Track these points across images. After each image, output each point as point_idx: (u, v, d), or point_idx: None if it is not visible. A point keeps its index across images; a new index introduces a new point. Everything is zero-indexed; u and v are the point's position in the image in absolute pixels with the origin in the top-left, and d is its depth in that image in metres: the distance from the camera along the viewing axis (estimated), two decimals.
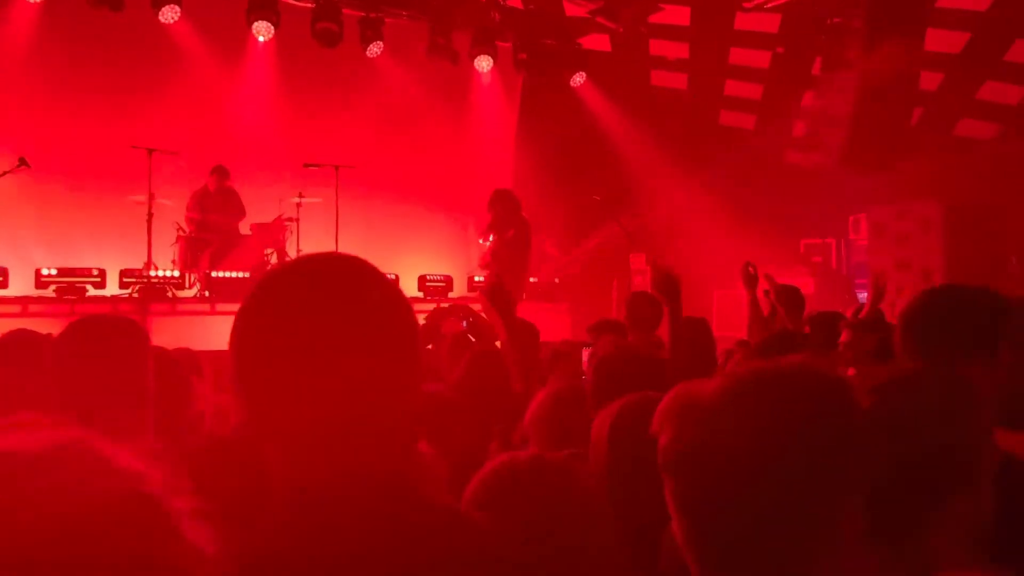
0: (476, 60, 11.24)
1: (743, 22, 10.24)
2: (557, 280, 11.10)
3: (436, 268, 10.17)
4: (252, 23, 9.89)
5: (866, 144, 9.43)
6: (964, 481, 1.27)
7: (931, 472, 1.25)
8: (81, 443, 0.77)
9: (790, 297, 5.14)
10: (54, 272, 8.28)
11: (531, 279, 9.27)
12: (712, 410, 1.13)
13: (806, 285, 9.44)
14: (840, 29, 9.62)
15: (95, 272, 8.49)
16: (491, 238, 8.62)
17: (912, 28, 8.83)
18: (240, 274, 8.95)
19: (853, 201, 11.05)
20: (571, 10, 10.98)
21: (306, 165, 9.67)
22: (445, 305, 4.10)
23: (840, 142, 9.59)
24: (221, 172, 9.34)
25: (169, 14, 9.37)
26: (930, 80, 9.64)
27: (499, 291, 3.68)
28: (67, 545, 0.69)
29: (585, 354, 4.37)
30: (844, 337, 4.16)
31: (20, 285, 8.23)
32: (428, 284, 10.14)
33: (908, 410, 1.30)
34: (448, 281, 10.14)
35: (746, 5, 9.81)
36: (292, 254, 9.63)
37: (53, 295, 8.21)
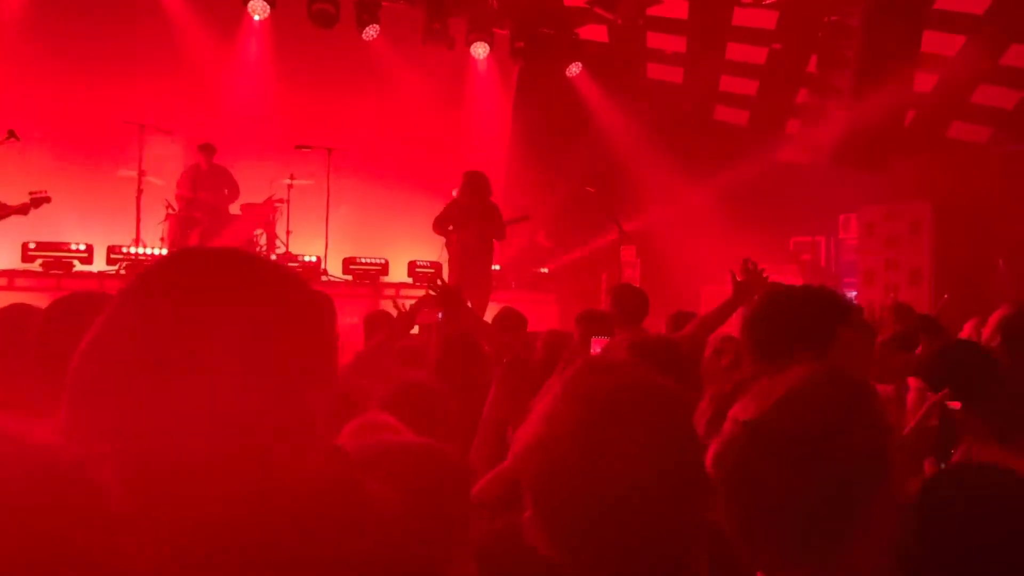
0: (472, 47, 11.20)
1: (741, 18, 10.23)
2: (546, 270, 11.10)
3: (426, 254, 10.15)
4: (248, 2, 9.83)
5: (859, 144, 9.45)
6: (874, 490, 1.22)
7: (840, 482, 1.20)
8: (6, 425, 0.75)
9: None
10: (43, 249, 8.23)
11: (494, 267, 9.04)
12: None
13: (795, 282, 9.46)
14: (837, 27, 9.61)
15: (82, 247, 8.44)
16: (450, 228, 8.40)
17: (910, 30, 8.83)
18: None
19: (844, 200, 11.09)
20: (570, 0, 10.95)
21: (298, 147, 9.63)
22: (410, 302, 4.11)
23: (833, 141, 9.59)
24: (208, 149, 9.27)
25: None
26: (924, 82, 9.65)
27: (448, 293, 3.84)
28: None
29: (596, 344, 4.33)
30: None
31: (6, 258, 8.18)
32: (417, 270, 10.13)
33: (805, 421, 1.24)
34: (438, 267, 10.13)
35: (744, 1, 9.80)
36: (281, 235, 9.60)
37: (40, 269, 8.16)
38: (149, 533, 0.84)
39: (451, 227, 8.27)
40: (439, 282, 4.36)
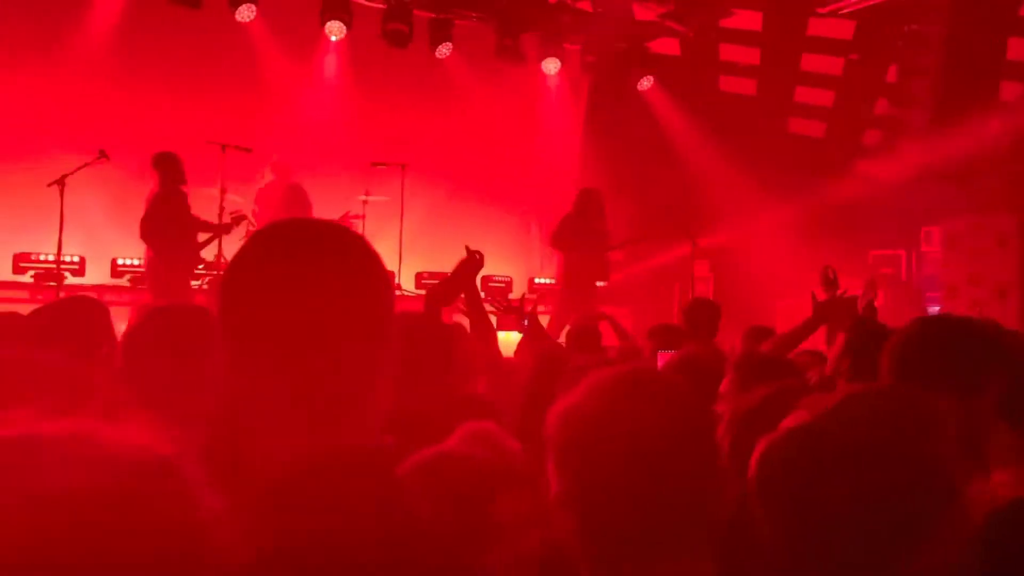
0: (544, 62, 11.26)
1: (816, 28, 10.07)
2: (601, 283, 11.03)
3: (499, 269, 10.22)
4: (325, 23, 10.08)
5: (943, 153, 9.20)
6: (935, 511, 1.20)
7: (901, 496, 1.18)
8: (87, 426, 0.77)
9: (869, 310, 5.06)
10: (130, 262, 8.56)
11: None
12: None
13: (875, 297, 9.22)
14: (918, 36, 9.39)
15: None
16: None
17: (993, 37, 8.58)
18: None
19: (926, 212, 10.78)
20: (641, 13, 10.93)
21: (374, 164, 9.81)
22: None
23: (913, 152, 9.36)
24: (284, 167, 9.52)
25: (245, 12, 9.60)
26: (1010, 90, 9.35)
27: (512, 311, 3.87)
28: (88, 515, 0.69)
29: (662, 358, 4.31)
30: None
31: (97, 274, 8.52)
32: (491, 285, 10.19)
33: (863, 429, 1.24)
34: (509, 283, 10.19)
35: (820, 11, 9.64)
36: None
37: (127, 284, 8.48)
38: (239, 528, 0.87)
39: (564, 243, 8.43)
40: (507, 300, 4.39)
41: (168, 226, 7.51)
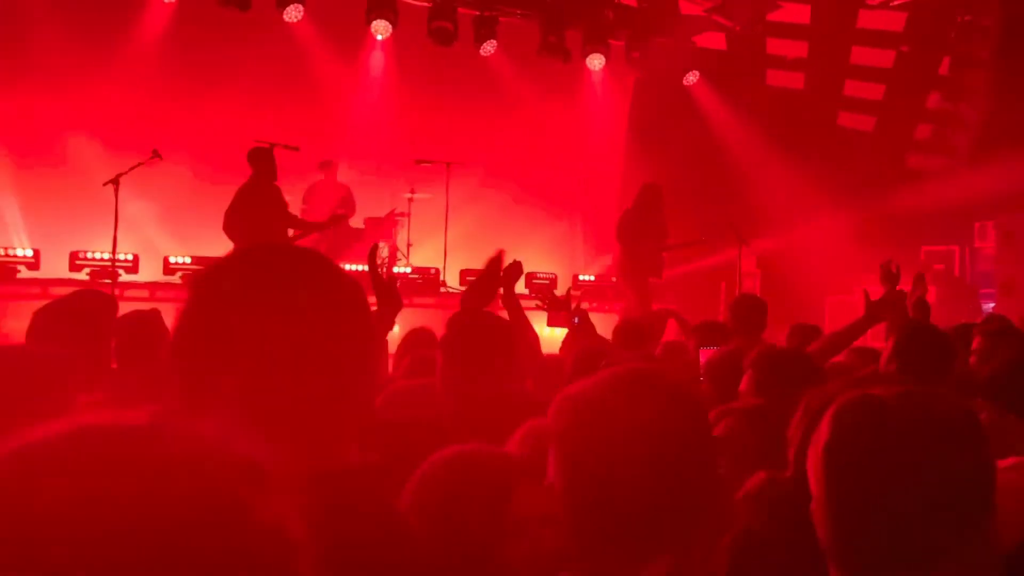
0: (588, 58, 11.23)
1: (866, 20, 9.91)
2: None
3: (543, 266, 10.22)
4: (371, 21, 10.16)
5: (996, 146, 8.99)
6: (978, 510, 1.20)
7: (944, 496, 1.19)
8: (171, 417, 0.77)
9: (922, 308, 4.97)
10: (182, 260, 8.73)
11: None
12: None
13: (928, 294, 9.04)
14: (971, 27, 9.20)
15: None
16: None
17: None
18: (353, 266, 9.21)
19: (979, 207, 10.53)
20: (686, 8, 10.85)
21: (418, 161, 9.88)
22: None
23: (967, 146, 9.16)
24: (329, 166, 9.64)
25: (293, 13, 9.73)
26: None
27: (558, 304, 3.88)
28: (180, 511, 0.67)
29: (704, 355, 4.28)
30: (975, 344, 4.00)
31: (149, 271, 8.70)
32: (534, 282, 10.20)
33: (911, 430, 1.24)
34: (554, 280, 10.18)
35: (870, 3, 9.49)
36: (402, 247, 9.86)
37: (179, 282, 8.64)
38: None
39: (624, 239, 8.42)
40: (551, 294, 4.41)
41: (253, 220, 7.54)
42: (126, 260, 8.43)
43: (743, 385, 2.81)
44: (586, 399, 1.37)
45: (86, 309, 3.02)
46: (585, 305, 9.24)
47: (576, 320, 4.66)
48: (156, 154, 7.51)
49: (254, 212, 7.57)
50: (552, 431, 1.38)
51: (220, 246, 9.12)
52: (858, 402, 1.25)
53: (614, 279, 9.57)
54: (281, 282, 1.15)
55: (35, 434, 0.66)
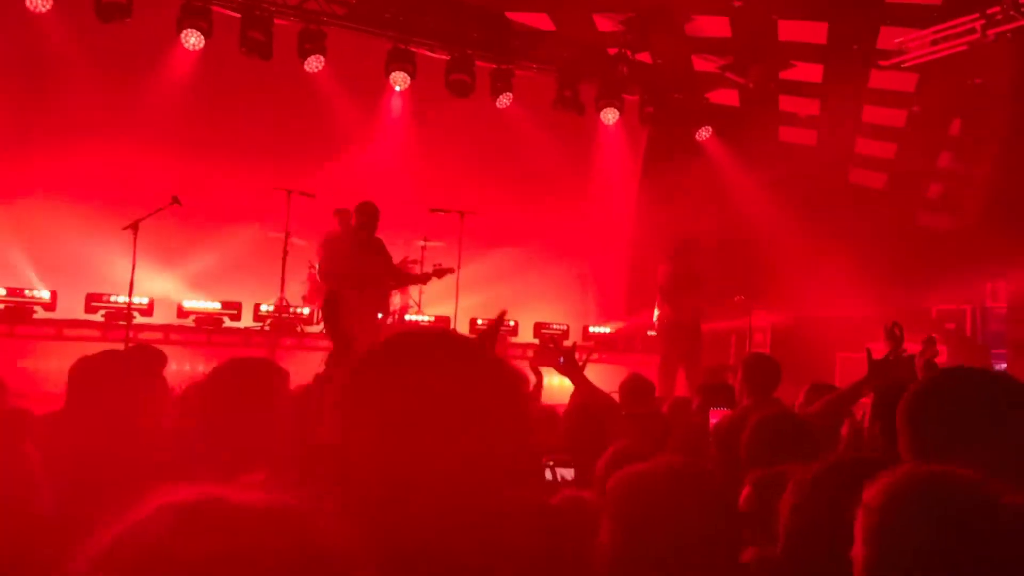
0: (602, 112, 11.39)
1: (878, 80, 10.03)
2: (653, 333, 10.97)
3: (554, 316, 10.26)
4: (390, 73, 10.36)
5: (1007, 206, 9.03)
6: None
7: None
8: (289, 500, 0.85)
9: (929, 368, 4.97)
10: (197, 305, 8.83)
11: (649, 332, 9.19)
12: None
13: (939, 353, 9.00)
14: (983, 90, 9.29)
15: (231, 306, 8.99)
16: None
17: None
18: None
19: (991, 266, 10.53)
20: (700, 65, 11.01)
21: (432, 210, 9.97)
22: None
23: (978, 206, 9.20)
24: (344, 214, 9.73)
25: (314, 63, 9.94)
26: None
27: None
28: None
29: (714, 416, 4.26)
30: None
31: (163, 314, 8.78)
32: (543, 332, 10.24)
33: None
34: (565, 331, 10.22)
35: (883, 63, 9.61)
36: (414, 295, 9.92)
37: (192, 324, 8.72)
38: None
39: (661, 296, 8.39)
40: (553, 345, 4.38)
41: (354, 269, 7.66)
42: (140, 304, 8.51)
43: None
44: (643, 483, 1.73)
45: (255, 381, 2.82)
46: (595, 356, 9.26)
47: (561, 360, 4.62)
48: (176, 200, 7.61)
49: (355, 261, 7.71)
50: (612, 503, 1.73)
51: (236, 291, 9.24)
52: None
53: (651, 332, 9.49)
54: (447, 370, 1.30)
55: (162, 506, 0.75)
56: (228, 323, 8.91)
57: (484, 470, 1.26)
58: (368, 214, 7.93)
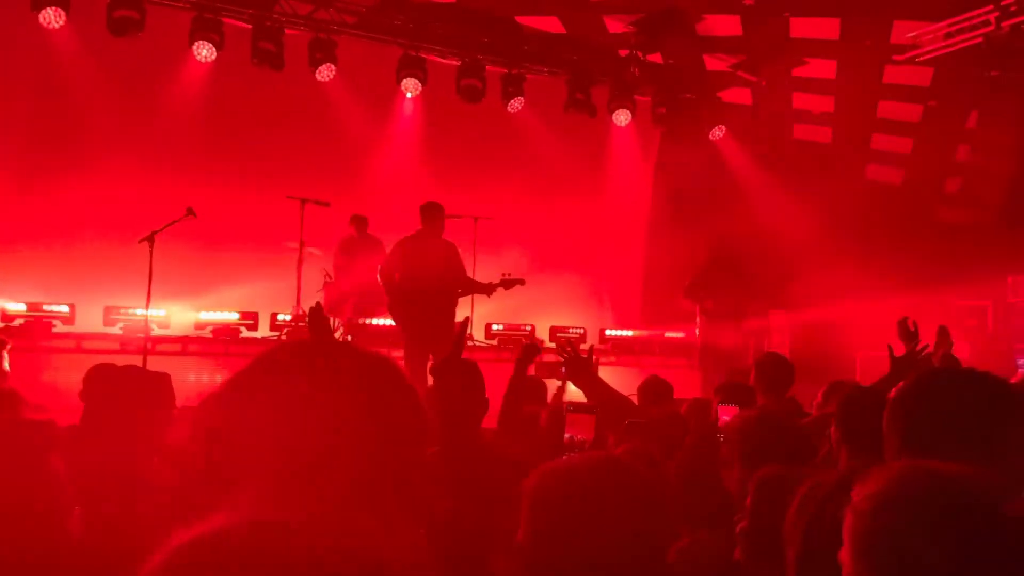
0: (614, 114, 11.34)
1: (892, 75, 9.94)
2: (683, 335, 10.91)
3: (569, 320, 10.23)
4: (401, 80, 10.38)
5: None
6: None
7: None
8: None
9: (949, 364, 4.91)
10: (213, 316, 8.87)
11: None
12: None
13: (960, 350, 8.90)
14: (1000, 82, 9.19)
15: (248, 317, 9.03)
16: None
17: None
18: (382, 320, 9.28)
19: (1012, 261, 10.40)
20: (712, 64, 10.95)
21: (446, 216, 9.96)
22: None
23: (998, 199, 9.10)
24: (360, 221, 9.76)
25: (325, 72, 9.97)
26: None
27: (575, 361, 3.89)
28: None
29: (724, 413, 4.23)
30: None
31: (180, 326, 8.82)
32: (559, 335, 10.19)
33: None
34: (583, 334, 10.18)
35: (897, 58, 9.52)
36: None
37: (210, 336, 8.76)
38: None
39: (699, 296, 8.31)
40: (569, 348, 4.28)
41: (420, 273, 7.49)
42: (158, 316, 8.56)
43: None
44: (559, 477, 1.71)
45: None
46: (612, 359, 9.22)
47: (563, 369, 4.53)
48: (191, 212, 7.64)
49: (422, 264, 7.52)
50: (528, 497, 1.69)
51: (252, 302, 9.26)
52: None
53: (697, 332, 9.44)
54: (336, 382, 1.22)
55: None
56: (245, 333, 8.94)
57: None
58: (433, 214, 7.70)
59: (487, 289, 7.84)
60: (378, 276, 7.74)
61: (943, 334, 4.85)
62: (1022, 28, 8.46)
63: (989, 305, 10.88)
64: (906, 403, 1.84)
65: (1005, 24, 8.51)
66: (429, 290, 7.45)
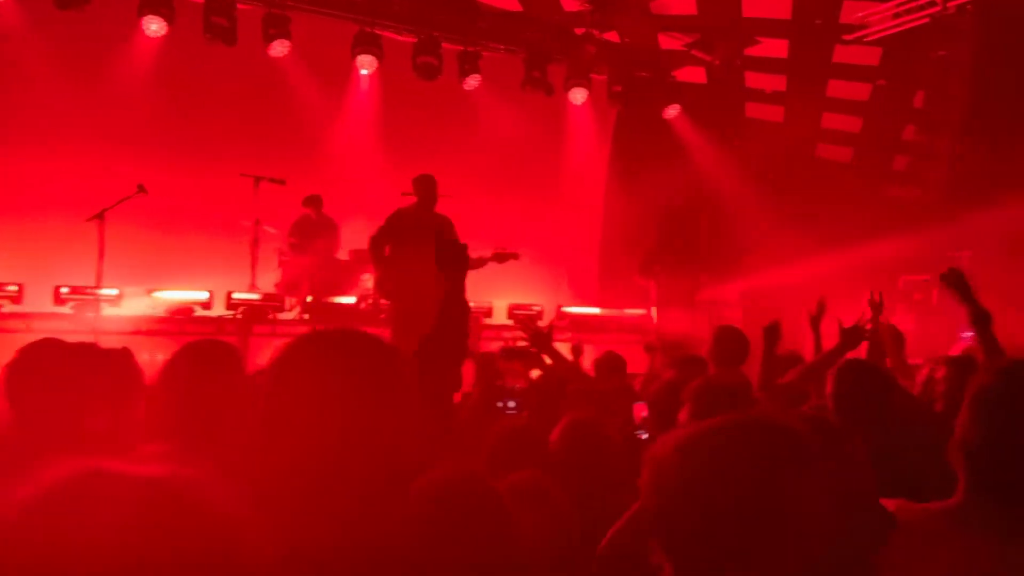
0: (571, 92, 11.38)
1: (842, 55, 10.11)
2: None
3: (527, 298, 10.29)
4: (356, 56, 10.29)
5: (970, 178, 9.17)
6: None
7: None
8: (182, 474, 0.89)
9: (894, 335, 5.11)
10: (168, 295, 8.77)
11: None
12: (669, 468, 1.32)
13: (906, 322, 9.16)
14: (945, 62, 9.40)
15: (204, 296, 8.94)
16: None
17: (1020, 62, 8.56)
18: (338, 299, 9.25)
19: (957, 237, 10.68)
20: (666, 43, 11.04)
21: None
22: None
23: (943, 177, 9.33)
24: (315, 201, 9.70)
25: (279, 48, 9.85)
26: None
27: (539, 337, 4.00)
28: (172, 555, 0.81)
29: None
30: (940, 373, 4.09)
31: (133, 305, 8.70)
32: (517, 312, 10.25)
33: None
34: (540, 312, 10.25)
35: (846, 38, 9.69)
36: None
37: (165, 315, 8.66)
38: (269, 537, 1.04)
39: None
40: (532, 326, 4.46)
41: (410, 246, 7.47)
42: (109, 295, 8.43)
43: (682, 416, 2.89)
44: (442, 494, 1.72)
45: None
46: (567, 334, 9.31)
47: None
48: (142, 189, 7.53)
49: (415, 238, 7.39)
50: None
51: (207, 280, 9.17)
52: None
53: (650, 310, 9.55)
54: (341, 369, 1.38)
55: (51, 480, 0.76)
56: (200, 312, 8.85)
57: (392, 461, 1.35)
58: (424, 187, 7.55)
59: (479, 264, 7.58)
60: (368, 248, 7.58)
61: (875, 306, 5.05)
62: (967, 9, 8.66)
63: (933, 279, 11.17)
64: (990, 395, 1.83)
65: (951, 5, 8.71)
66: (423, 264, 7.34)
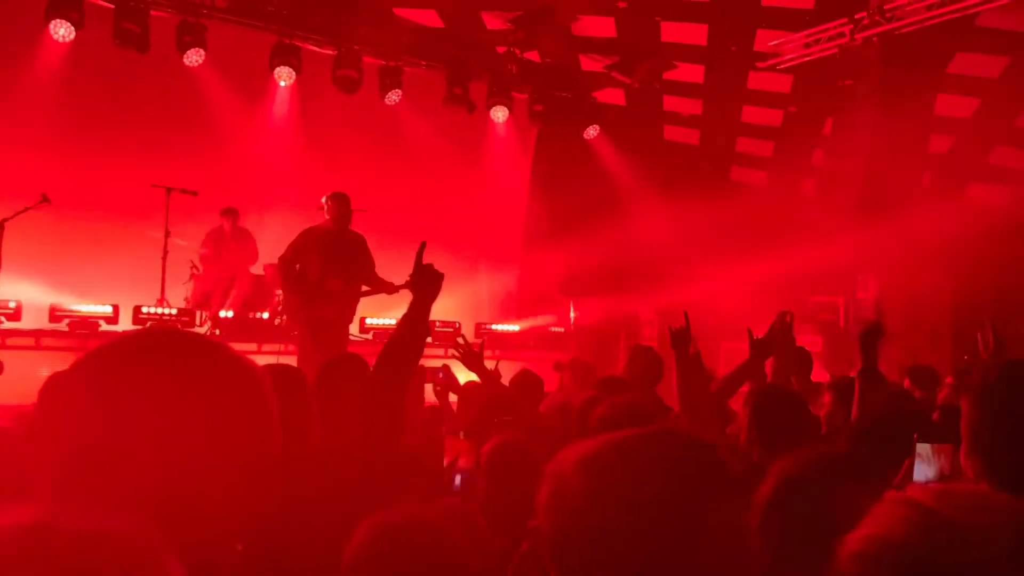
0: (492, 110, 11.43)
1: (756, 81, 10.40)
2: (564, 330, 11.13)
3: (447, 314, 10.24)
4: (275, 68, 10.12)
5: (876, 202, 9.52)
6: None
7: None
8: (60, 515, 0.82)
9: (801, 357, 5.24)
10: (69, 308, 8.43)
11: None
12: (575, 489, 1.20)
13: (814, 342, 9.44)
14: (852, 91, 9.75)
15: (108, 309, 8.62)
16: None
17: (923, 93, 8.96)
18: (251, 314, 9.05)
19: (862, 260, 11.06)
20: (587, 64, 11.18)
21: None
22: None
23: (849, 201, 9.67)
24: (232, 213, 9.49)
25: (194, 57, 9.61)
26: (938, 143, 9.74)
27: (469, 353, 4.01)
28: None
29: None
30: (826, 398, 4.21)
31: (33, 318, 8.35)
32: (437, 329, 10.19)
33: None
34: (457, 328, 10.21)
35: (759, 65, 9.97)
36: None
37: (66, 329, 8.32)
38: None
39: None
40: (461, 341, 4.47)
41: (320, 265, 7.22)
42: (8, 308, 8.08)
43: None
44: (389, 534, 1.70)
45: None
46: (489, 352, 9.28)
47: (440, 375, 4.79)
48: (45, 199, 7.26)
49: (327, 257, 7.22)
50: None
51: (113, 294, 8.86)
52: None
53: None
54: (174, 372, 1.14)
55: None
56: (105, 327, 8.54)
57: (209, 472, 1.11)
58: (338, 205, 7.41)
59: (392, 288, 7.41)
60: (279, 265, 7.38)
61: (780, 316, 5.18)
62: (873, 41, 9.02)
63: (840, 300, 11.55)
64: (996, 395, 1.85)
65: (858, 36, 9.05)
66: (334, 284, 7.21)
